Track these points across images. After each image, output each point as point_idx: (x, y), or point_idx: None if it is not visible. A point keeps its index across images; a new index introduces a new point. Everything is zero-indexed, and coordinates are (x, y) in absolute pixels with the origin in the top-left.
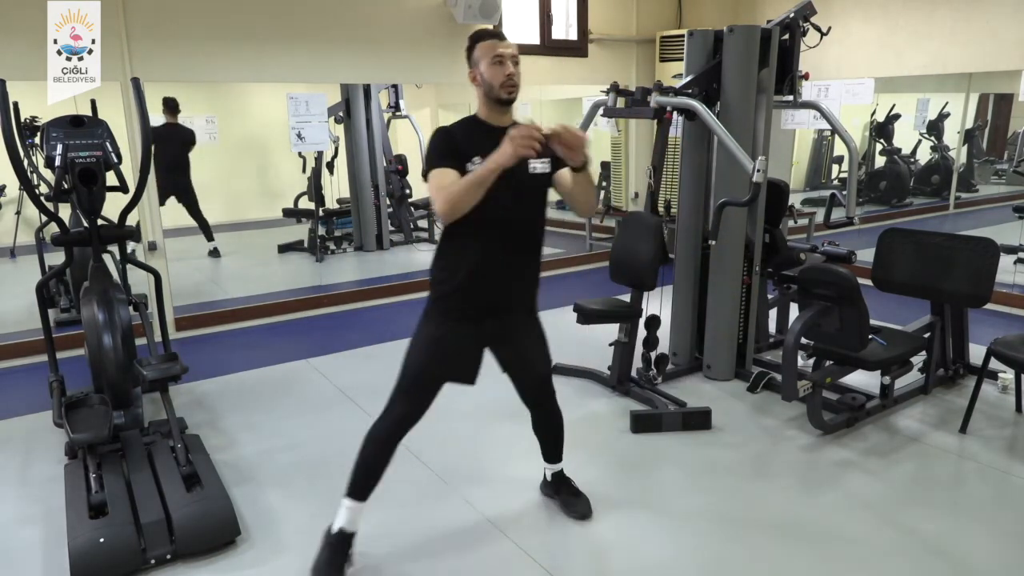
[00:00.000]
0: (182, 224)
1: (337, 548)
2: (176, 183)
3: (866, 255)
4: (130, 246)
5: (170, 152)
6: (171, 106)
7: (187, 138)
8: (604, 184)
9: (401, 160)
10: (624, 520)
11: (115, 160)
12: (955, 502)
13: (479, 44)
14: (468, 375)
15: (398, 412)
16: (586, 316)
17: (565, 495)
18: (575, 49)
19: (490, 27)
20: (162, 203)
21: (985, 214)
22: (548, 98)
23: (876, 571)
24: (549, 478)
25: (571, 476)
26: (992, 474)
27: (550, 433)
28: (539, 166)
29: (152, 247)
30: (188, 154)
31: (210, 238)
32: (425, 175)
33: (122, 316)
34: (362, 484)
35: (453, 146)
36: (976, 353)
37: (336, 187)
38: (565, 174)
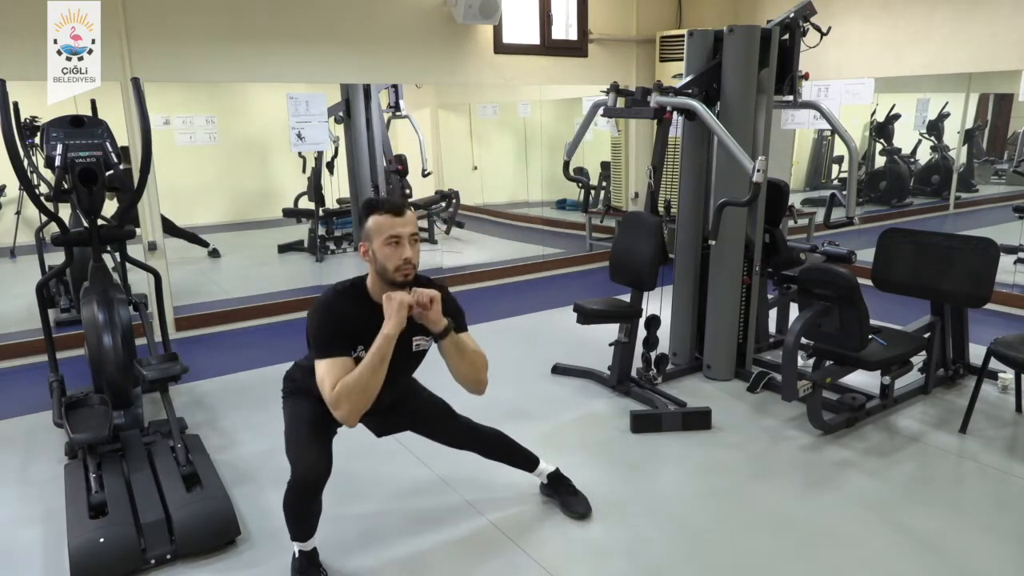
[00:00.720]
0: (182, 224)
1: (306, 567)
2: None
3: (866, 255)
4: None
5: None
6: None
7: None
8: (604, 184)
9: (401, 160)
10: (624, 520)
11: (115, 160)
12: (955, 502)
13: (373, 216)
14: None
15: (297, 477)
16: (586, 316)
17: (564, 495)
18: (575, 49)
19: (385, 199)
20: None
21: (985, 214)
22: (548, 98)
23: (876, 571)
24: (545, 480)
25: (570, 476)
26: (992, 474)
27: (503, 452)
28: (423, 343)
29: (152, 247)
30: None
31: (204, 244)
32: (311, 358)
33: (122, 316)
34: (299, 532)
35: (340, 330)
36: (976, 353)
37: (336, 187)
38: (463, 339)
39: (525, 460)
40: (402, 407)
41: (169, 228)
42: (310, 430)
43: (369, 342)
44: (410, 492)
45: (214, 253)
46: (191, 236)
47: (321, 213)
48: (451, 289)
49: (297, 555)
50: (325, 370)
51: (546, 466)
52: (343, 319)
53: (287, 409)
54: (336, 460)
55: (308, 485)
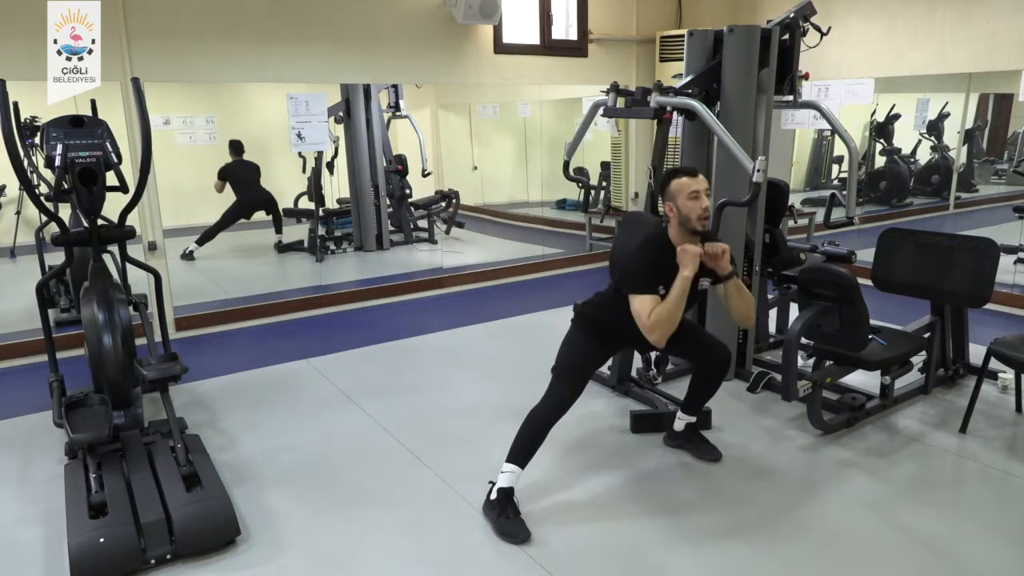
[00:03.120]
0: (182, 224)
1: (507, 502)
2: (259, 199)
3: (866, 255)
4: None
5: (243, 181)
6: (237, 147)
7: (254, 170)
8: (604, 184)
9: (401, 160)
10: (624, 520)
11: (115, 160)
12: (955, 502)
13: (674, 180)
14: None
15: (557, 397)
16: None
17: (697, 442)
18: (575, 49)
19: (683, 166)
20: (247, 216)
21: (985, 214)
22: (548, 98)
23: (876, 571)
24: (681, 428)
25: (570, 476)
26: (992, 474)
27: (704, 385)
28: (705, 283)
29: (152, 247)
30: (257, 179)
31: (279, 231)
32: (623, 290)
33: (122, 316)
34: (522, 454)
35: (654, 272)
36: (976, 353)
37: (336, 187)
38: (736, 285)
39: (700, 404)
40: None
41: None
42: (585, 367)
43: (668, 282)
44: (409, 490)
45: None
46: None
47: (321, 213)
48: (452, 289)
49: (494, 494)
50: (641, 304)
51: (693, 418)
52: (654, 264)
53: (576, 333)
54: (333, 457)
55: (563, 409)
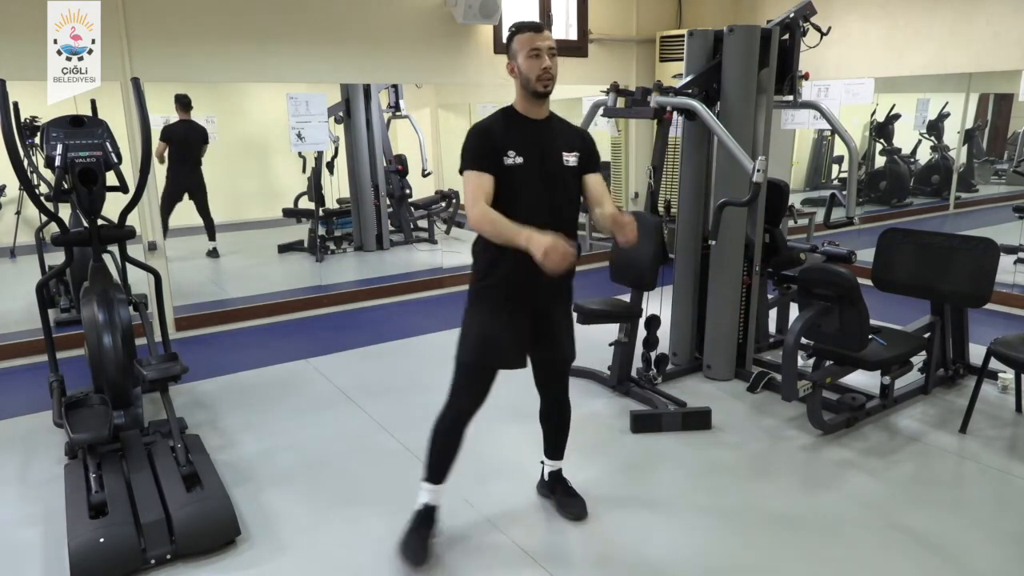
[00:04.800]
0: (182, 224)
1: (422, 521)
2: (190, 179)
3: (866, 255)
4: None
5: (184, 149)
6: (184, 103)
7: (201, 135)
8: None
9: (401, 160)
10: (624, 520)
11: (115, 160)
12: (955, 502)
13: (517, 36)
14: (520, 360)
15: (458, 405)
16: (586, 316)
17: (561, 495)
18: (575, 49)
19: (528, 20)
20: (179, 199)
21: (985, 214)
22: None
23: (876, 571)
24: (546, 477)
25: (570, 476)
26: (992, 474)
27: (557, 423)
28: (571, 159)
29: (152, 247)
30: (202, 151)
31: (212, 237)
32: (461, 171)
33: (122, 316)
34: (437, 469)
35: (489, 146)
36: (976, 353)
37: (336, 187)
38: (590, 179)
39: (560, 448)
40: (559, 312)
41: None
42: (482, 354)
43: (519, 149)
44: (409, 490)
45: (213, 253)
46: (211, 224)
47: (321, 213)
48: (452, 289)
49: (421, 509)
50: (472, 184)
51: (559, 463)
52: (493, 133)
53: (471, 320)
54: (333, 457)
55: (467, 413)
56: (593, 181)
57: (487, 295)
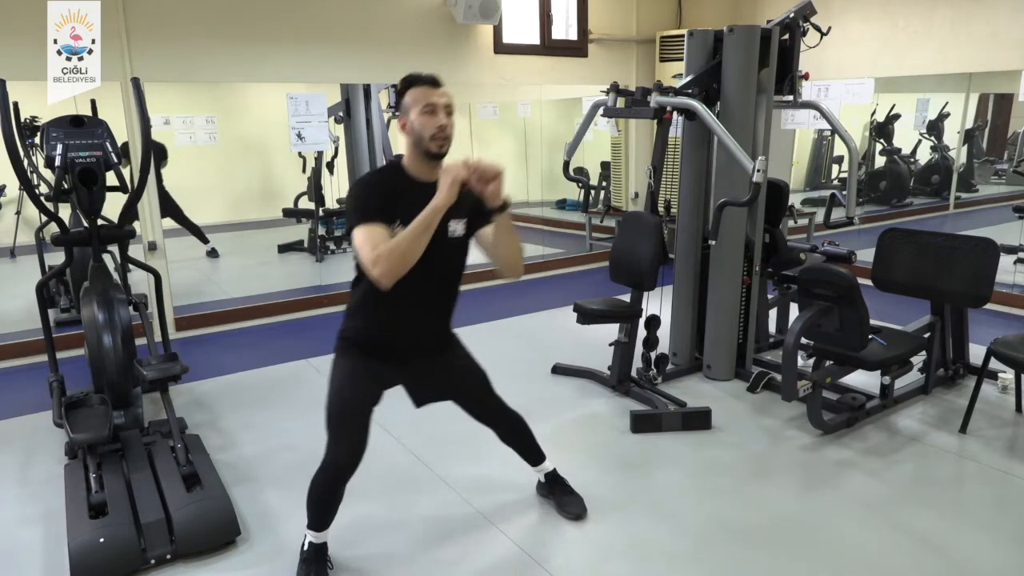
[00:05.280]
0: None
1: (315, 557)
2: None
3: (866, 255)
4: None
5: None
6: None
7: (159, 151)
8: (604, 184)
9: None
10: (624, 520)
11: (115, 160)
12: (955, 502)
13: (410, 89)
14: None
15: (333, 459)
16: (586, 316)
17: (559, 495)
18: (575, 49)
19: (424, 73)
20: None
21: (985, 214)
22: (548, 98)
23: (876, 571)
24: (543, 479)
25: (570, 476)
26: (992, 474)
27: (519, 439)
28: (458, 229)
29: (152, 247)
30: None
31: (204, 240)
32: (349, 232)
33: (122, 316)
34: (316, 520)
35: (379, 202)
36: (976, 353)
37: (336, 187)
38: (485, 232)
39: (535, 453)
40: (444, 361)
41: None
42: (353, 409)
43: (406, 218)
44: (408, 490)
45: (213, 253)
46: (194, 227)
47: (321, 213)
48: None
49: (307, 546)
50: (364, 236)
51: (547, 464)
52: (382, 192)
53: (335, 371)
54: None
55: (344, 469)
56: (488, 231)
57: (347, 345)
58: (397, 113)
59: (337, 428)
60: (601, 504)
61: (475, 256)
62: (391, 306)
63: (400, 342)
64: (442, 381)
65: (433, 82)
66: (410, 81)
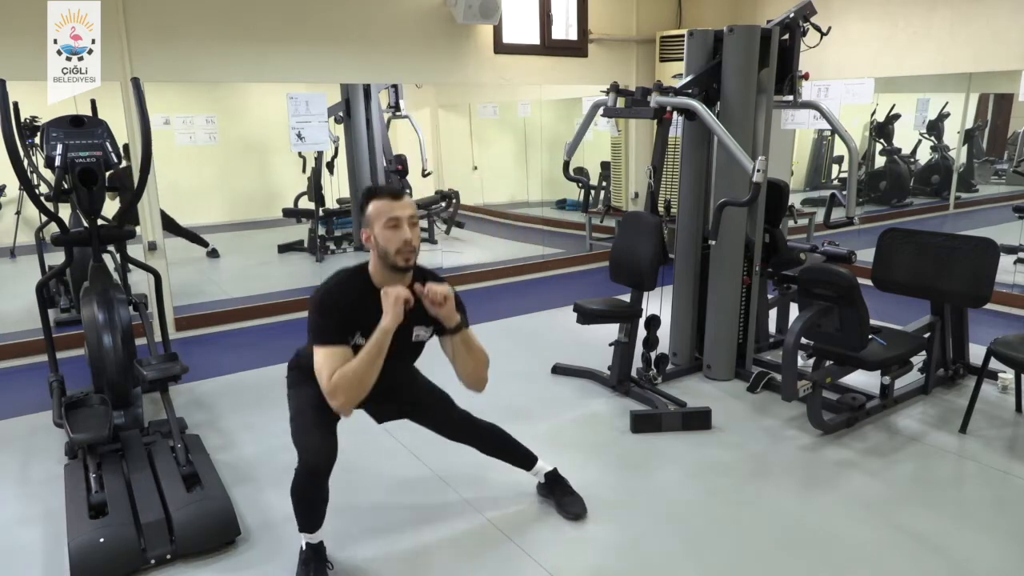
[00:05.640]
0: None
1: (313, 557)
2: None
3: (866, 255)
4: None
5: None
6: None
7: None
8: (604, 184)
9: (401, 160)
10: (624, 520)
11: (115, 160)
12: (955, 502)
13: (373, 202)
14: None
15: (303, 466)
16: (586, 316)
17: (560, 495)
18: (575, 49)
19: (383, 186)
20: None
21: (985, 214)
22: (548, 98)
23: (876, 571)
24: (543, 480)
25: (569, 476)
26: (992, 474)
27: (500, 447)
28: (423, 333)
29: (152, 247)
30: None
31: (204, 244)
32: (310, 346)
33: (122, 316)
34: (306, 523)
35: (339, 319)
36: (976, 353)
37: (336, 187)
38: (452, 343)
39: (523, 458)
40: (400, 394)
41: (169, 225)
42: (315, 416)
43: (368, 329)
44: (408, 490)
45: (213, 253)
46: (191, 235)
47: (321, 213)
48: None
49: (304, 548)
50: (323, 359)
51: (544, 465)
52: (342, 307)
53: (292, 399)
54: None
55: (315, 471)
56: (455, 344)
57: (302, 384)
58: (362, 226)
59: (303, 440)
60: (601, 504)
61: (475, 256)
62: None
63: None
64: (404, 399)
65: (395, 195)
66: (371, 192)
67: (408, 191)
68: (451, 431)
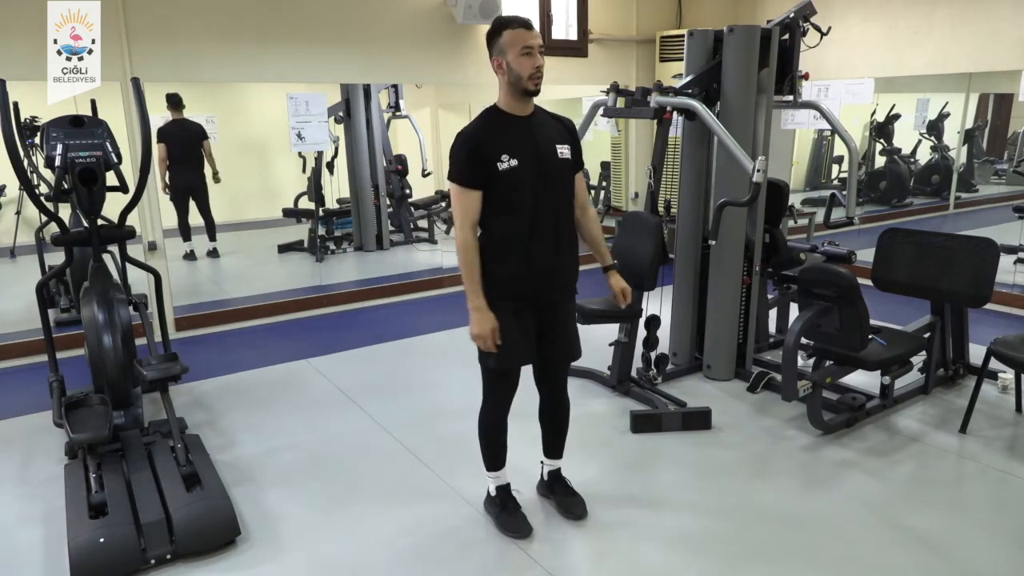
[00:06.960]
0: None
1: (504, 500)
2: (191, 179)
3: (866, 255)
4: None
5: (180, 149)
6: (175, 101)
7: (197, 133)
8: (604, 184)
9: (401, 160)
10: (624, 520)
11: (115, 160)
12: (955, 502)
13: (506, 31)
14: (531, 357)
15: (493, 399)
16: (586, 316)
17: (560, 495)
18: (575, 49)
19: (516, 15)
20: (186, 200)
21: (985, 214)
22: (548, 98)
23: (876, 570)
24: (546, 476)
25: (570, 476)
26: (992, 474)
27: (557, 422)
28: (565, 151)
29: (152, 247)
30: (200, 149)
31: (212, 238)
32: (449, 179)
33: (122, 316)
34: (493, 459)
35: (479, 155)
36: (976, 353)
37: (336, 187)
38: (579, 179)
39: (559, 444)
40: (565, 299)
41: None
42: (505, 366)
43: (513, 151)
44: (409, 490)
45: (213, 253)
46: (212, 224)
47: (321, 213)
48: (452, 289)
49: (493, 492)
50: (460, 206)
51: (557, 462)
52: (481, 141)
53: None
54: (333, 457)
55: (503, 406)
56: (578, 182)
57: (493, 297)
58: (492, 55)
59: (490, 380)
60: (601, 504)
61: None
62: (518, 237)
63: (530, 271)
64: (554, 330)
65: (527, 24)
66: (503, 22)
67: (408, 191)
68: (553, 374)
